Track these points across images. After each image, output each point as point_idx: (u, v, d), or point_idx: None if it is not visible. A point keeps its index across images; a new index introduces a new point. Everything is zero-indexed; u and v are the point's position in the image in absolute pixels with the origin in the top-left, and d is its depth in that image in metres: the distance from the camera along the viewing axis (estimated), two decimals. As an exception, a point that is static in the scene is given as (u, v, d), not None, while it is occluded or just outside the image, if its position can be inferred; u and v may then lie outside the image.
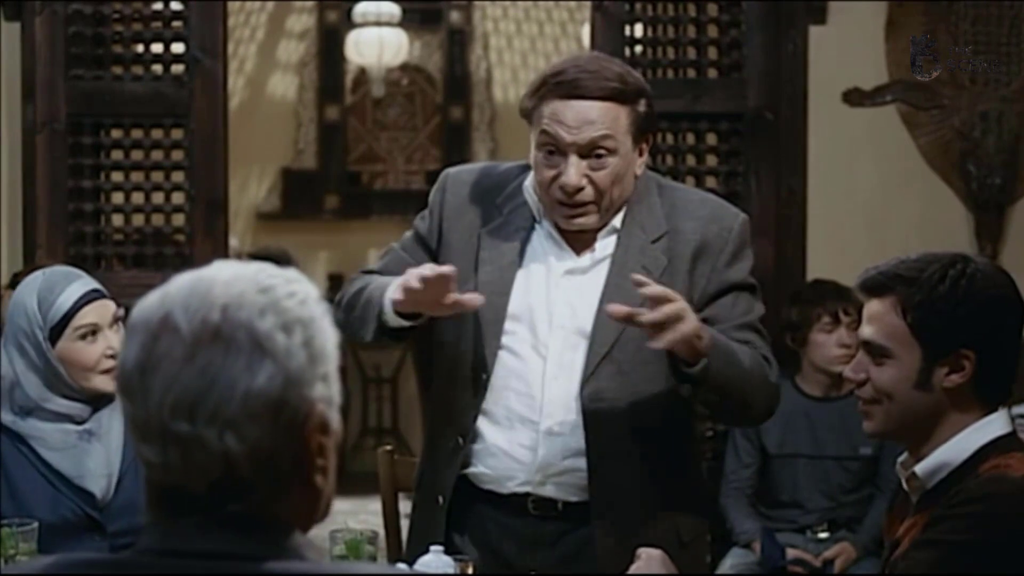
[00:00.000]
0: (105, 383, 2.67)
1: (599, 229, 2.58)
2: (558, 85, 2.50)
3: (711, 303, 2.56)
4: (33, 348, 2.67)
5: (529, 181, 2.61)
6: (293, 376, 1.33)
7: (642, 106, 2.54)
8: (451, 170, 2.74)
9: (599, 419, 2.53)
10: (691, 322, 2.38)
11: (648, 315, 2.35)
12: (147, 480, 1.36)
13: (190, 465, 1.32)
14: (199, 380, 1.31)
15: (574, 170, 2.49)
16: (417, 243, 2.71)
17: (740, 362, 2.49)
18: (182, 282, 1.37)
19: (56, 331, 2.66)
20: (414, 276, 2.43)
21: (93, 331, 2.68)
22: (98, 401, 2.70)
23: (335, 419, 1.39)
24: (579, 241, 2.60)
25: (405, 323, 2.51)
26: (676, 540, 2.57)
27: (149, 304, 1.36)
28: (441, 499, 2.62)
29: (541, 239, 2.61)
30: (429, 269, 2.45)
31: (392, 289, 2.51)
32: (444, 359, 2.65)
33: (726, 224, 2.61)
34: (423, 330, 2.60)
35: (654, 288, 2.37)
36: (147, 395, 1.32)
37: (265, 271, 1.38)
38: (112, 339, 2.69)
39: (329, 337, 1.38)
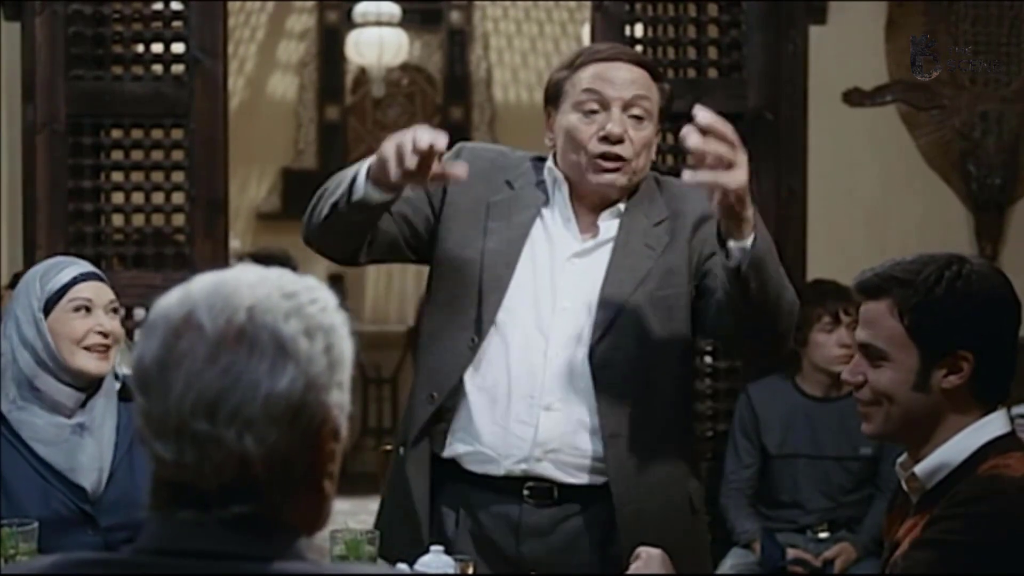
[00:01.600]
0: (87, 361, 2.69)
1: (603, 209, 2.63)
2: (596, 53, 2.67)
3: (711, 258, 2.58)
4: (29, 319, 2.70)
5: (551, 162, 2.67)
6: (313, 381, 1.34)
7: (665, 87, 2.68)
8: (467, 143, 2.77)
9: (606, 391, 2.56)
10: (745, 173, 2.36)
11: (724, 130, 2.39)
12: (155, 476, 1.35)
13: (205, 464, 1.32)
14: (221, 380, 1.31)
15: (618, 120, 2.59)
16: (421, 191, 2.64)
17: (775, 254, 2.49)
18: (205, 282, 1.37)
19: (52, 302, 2.70)
20: (408, 147, 2.36)
21: (87, 307, 2.71)
22: (86, 388, 2.71)
23: (345, 426, 1.40)
24: (586, 222, 2.65)
25: (376, 197, 2.44)
26: (690, 506, 2.65)
27: (170, 302, 1.36)
28: (436, 394, 2.60)
29: (550, 219, 2.65)
30: (427, 139, 2.37)
31: (371, 160, 2.44)
32: (438, 318, 2.65)
33: None
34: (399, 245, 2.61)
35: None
36: (166, 392, 1.32)
37: (288, 277, 1.39)
38: (103, 320, 2.72)
39: (347, 346, 1.39)
